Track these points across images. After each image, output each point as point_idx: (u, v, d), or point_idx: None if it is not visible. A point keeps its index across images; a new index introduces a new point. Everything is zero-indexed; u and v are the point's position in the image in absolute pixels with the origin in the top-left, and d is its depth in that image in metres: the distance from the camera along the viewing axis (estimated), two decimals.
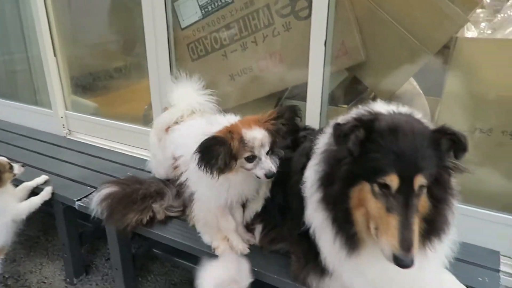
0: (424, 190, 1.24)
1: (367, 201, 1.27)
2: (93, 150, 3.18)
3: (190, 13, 2.73)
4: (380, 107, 1.40)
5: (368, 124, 1.25)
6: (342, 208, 1.32)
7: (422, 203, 1.26)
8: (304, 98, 2.33)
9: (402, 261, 1.16)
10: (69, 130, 3.57)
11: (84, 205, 2.34)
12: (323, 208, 1.38)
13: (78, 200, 2.38)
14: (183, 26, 2.77)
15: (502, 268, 1.82)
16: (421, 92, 2.54)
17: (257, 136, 1.62)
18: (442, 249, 1.37)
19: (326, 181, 1.36)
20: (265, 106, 2.71)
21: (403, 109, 1.38)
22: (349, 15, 2.28)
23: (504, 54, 1.99)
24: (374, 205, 1.24)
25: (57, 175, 2.72)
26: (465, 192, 2.04)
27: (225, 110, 2.08)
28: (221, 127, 1.67)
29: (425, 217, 1.27)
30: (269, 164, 1.63)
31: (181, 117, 2.14)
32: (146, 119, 3.23)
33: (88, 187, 2.53)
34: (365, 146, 1.24)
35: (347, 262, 1.38)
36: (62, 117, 3.54)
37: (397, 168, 1.19)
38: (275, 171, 1.63)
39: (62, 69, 3.51)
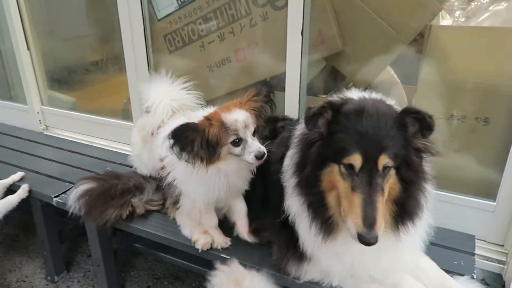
0: (392, 172, 1.25)
1: (336, 182, 1.29)
2: (71, 146, 3.12)
3: (166, 4, 2.68)
4: (353, 94, 1.42)
5: (336, 106, 1.27)
6: (315, 191, 1.34)
7: (392, 185, 1.27)
8: (283, 89, 2.32)
9: (365, 238, 1.18)
10: (46, 126, 3.49)
11: (63, 202, 2.29)
12: (298, 193, 1.40)
13: (56, 197, 2.34)
14: (159, 17, 2.72)
15: (477, 251, 1.87)
16: (399, 81, 2.57)
17: (239, 117, 1.54)
18: (417, 232, 1.40)
19: (300, 166, 1.38)
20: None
21: (375, 95, 1.41)
22: (326, 4, 2.28)
23: (476, 42, 2.02)
24: (342, 186, 1.26)
25: (34, 171, 2.67)
26: (441, 178, 2.09)
27: (208, 103, 2.07)
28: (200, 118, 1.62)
29: (396, 199, 1.29)
30: (257, 145, 1.55)
31: (162, 122, 2.06)
32: (125, 113, 3.19)
33: (67, 183, 2.49)
34: (332, 127, 1.26)
35: (324, 247, 1.40)
36: (38, 113, 3.46)
37: (360, 148, 1.20)
38: (265, 152, 1.55)
39: (37, 63, 3.42)
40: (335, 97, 1.40)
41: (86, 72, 3.52)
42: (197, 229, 1.91)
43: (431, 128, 1.20)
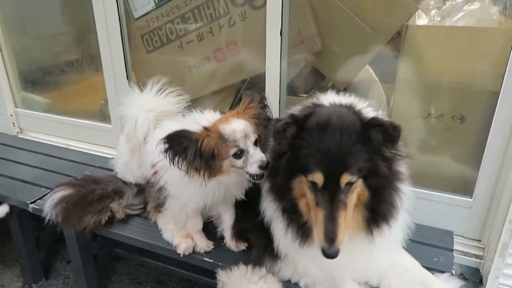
0: (358, 181, 1.26)
1: (305, 192, 1.31)
2: (47, 149, 3.03)
3: (142, 3, 2.63)
4: (326, 98, 1.42)
5: (300, 121, 1.27)
6: (288, 198, 1.36)
7: (360, 191, 1.28)
8: (263, 89, 2.31)
9: (326, 253, 1.22)
10: (20, 129, 3.39)
11: (39, 208, 2.23)
12: (272, 198, 1.41)
13: (32, 203, 2.28)
14: (136, 16, 2.67)
15: (455, 247, 1.91)
16: (377, 79, 2.59)
17: (237, 127, 1.47)
18: (394, 233, 1.41)
19: (273, 173, 1.39)
20: (224, 98, 2.68)
21: (347, 100, 1.40)
22: (304, 4, 2.28)
23: (452, 41, 2.05)
24: (309, 198, 1.29)
25: (8, 177, 2.58)
26: (419, 176, 2.13)
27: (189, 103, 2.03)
28: (199, 127, 1.53)
29: (366, 205, 1.31)
30: (259, 155, 1.46)
31: (147, 134, 1.98)
32: (103, 115, 3.12)
33: (43, 189, 2.42)
34: (297, 143, 1.26)
35: (301, 251, 1.41)
36: (12, 115, 3.35)
37: (322, 167, 1.21)
38: (268, 161, 1.46)
39: (9, 63, 3.31)
40: (307, 103, 1.41)
41: (61, 72, 3.43)
42: (179, 233, 1.88)
43: (394, 140, 1.21)
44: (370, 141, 1.23)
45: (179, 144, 1.43)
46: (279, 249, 1.52)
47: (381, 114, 1.41)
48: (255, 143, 1.51)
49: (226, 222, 1.84)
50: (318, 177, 1.22)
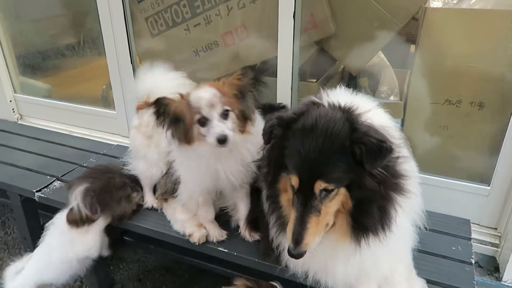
0: (341, 190, 1.21)
1: (288, 189, 1.32)
2: (50, 136, 2.96)
3: None
4: (328, 96, 1.35)
5: (286, 123, 1.26)
6: (273, 188, 1.38)
7: (344, 199, 1.24)
8: (274, 74, 2.25)
9: (291, 253, 1.25)
10: (21, 115, 3.31)
11: (45, 196, 2.19)
12: (263, 186, 1.47)
13: (38, 191, 2.23)
14: None
15: (472, 235, 1.89)
16: (389, 64, 2.53)
17: (203, 95, 1.45)
18: (390, 242, 1.31)
19: (265, 162, 1.41)
20: None
21: (352, 100, 1.31)
22: None
23: (470, 25, 1.99)
24: (290, 196, 1.31)
25: (11, 164, 2.53)
26: (436, 163, 2.10)
27: None
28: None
29: (350, 213, 1.26)
30: (220, 127, 1.43)
31: None
32: (106, 100, 3.05)
33: (48, 177, 2.37)
34: (283, 142, 1.26)
35: (280, 239, 1.45)
36: (11, 101, 3.27)
37: (298, 171, 1.21)
38: (228, 135, 1.43)
39: (6, 47, 3.22)
40: (307, 100, 1.38)
41: (61, 56, 3.32)
42: (190, 222, 1.85)
43: (376, 161, 1.14)
44: (354, 155, 1.17)
45: (157, 110, 1.47)
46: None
47: (389, 122, 1.37)
48: (225, 116, 1.47)
49: (241, 212, 1.80)
50: (294, 180, 1.23)
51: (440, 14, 2.07)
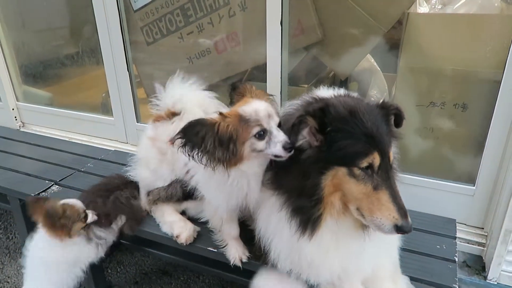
0: None
1: (343, 185, 1.26)
2: (50, 142, 3.04)
3: None
4: (322, 92, 1.44)
5: (319, 112, 1.24)
6: (310, 197, 1.32)
7: None
8: (264, 80, 2.31)
9: (405, 228, 1.22)
10: (23, 123, 3.40)
11: None
12: (284, 199, 1.39)
13: (36, 195, 2.28)
14: (135, 8, 2.66)
15: (457, 234, 1.92)
16: (379, 69, 2.58)
17: (259, 107, 1.36)
18: (374, 239, 1.37)
19: (284, 173, 1.38)
20: (225, 90, 2.67)
21: (341, 91, 1.44)
22: None
23: (453, 29, 2.04)
24: (355, 188, 1.25)
25: (12, 170, 2.60)
26: (422, 164, 2.13)
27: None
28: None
29: None
30: (283, 136, 1.33)
31: None
32: (105, 107, 3.13)
33: (47, 181, 2.44)
34: (330, 135, 1.24)
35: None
36: (13, 109, 3.36)
37: (376, 147, 1.22)
38: (292, 143, 1.32)
39: (9, 57, 3.31)
40: (307, 98, 1.40)
41: (62, 65, 3.42)
42: (177, 224, 1.87)
43: (402, 122, 1.34)
44: (388, 122, 1.31)
45: (195, 134, 1.31)
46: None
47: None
48: (280, 126, 1.39)
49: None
50: (375, 157, 1.22)
51: (422, 19, 2.12)
